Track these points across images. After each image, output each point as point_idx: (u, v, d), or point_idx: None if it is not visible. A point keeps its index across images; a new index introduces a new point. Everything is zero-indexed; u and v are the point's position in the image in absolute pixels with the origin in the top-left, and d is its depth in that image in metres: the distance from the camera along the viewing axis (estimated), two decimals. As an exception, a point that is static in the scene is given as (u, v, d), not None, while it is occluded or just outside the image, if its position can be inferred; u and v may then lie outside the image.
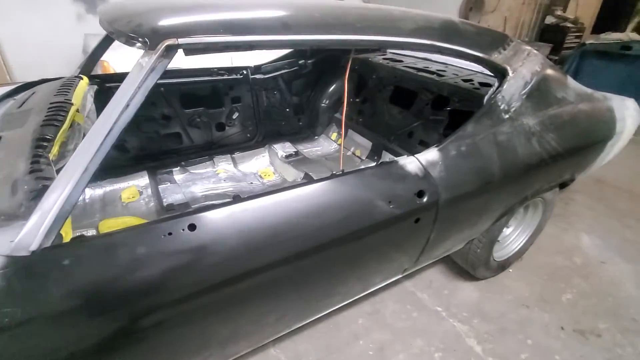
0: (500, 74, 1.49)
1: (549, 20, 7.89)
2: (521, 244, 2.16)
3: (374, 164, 2.26)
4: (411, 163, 1.28)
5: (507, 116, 1.47)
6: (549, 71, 1.69)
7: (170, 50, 0.83)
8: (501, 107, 1.46)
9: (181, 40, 0.83)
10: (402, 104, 2.18)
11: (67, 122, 1.16)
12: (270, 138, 2.48)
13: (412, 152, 2.04)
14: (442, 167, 1.30)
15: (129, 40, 0.88)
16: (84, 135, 1.53)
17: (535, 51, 1.69)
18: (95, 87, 1.76)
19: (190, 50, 0.85)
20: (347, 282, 1.40)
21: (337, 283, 1.35)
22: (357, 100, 2.45)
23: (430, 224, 1.34)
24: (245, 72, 2.24)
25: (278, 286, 1.11)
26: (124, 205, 1.89)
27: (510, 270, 2.23)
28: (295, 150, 2.35)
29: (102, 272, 0.81)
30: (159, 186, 2.01)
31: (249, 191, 2.05)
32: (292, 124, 2.58)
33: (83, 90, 1.54)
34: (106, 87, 1.88)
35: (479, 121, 1.41)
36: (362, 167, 1.27)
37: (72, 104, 1.29)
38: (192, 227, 0.89)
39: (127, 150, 2.07)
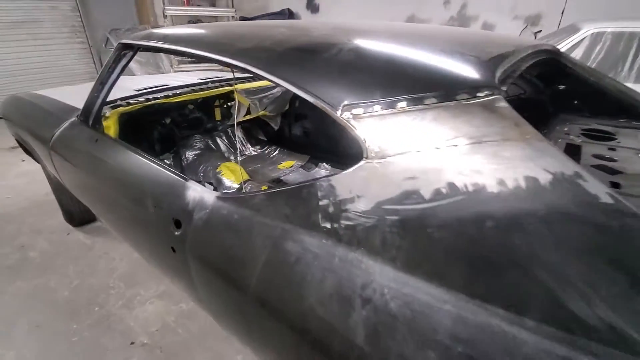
0: None
1: None
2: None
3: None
4: (192, 190, 1.02)
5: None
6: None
7: (127, 48, 1.41)
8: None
9: (129, 40, 1.39)
10: None
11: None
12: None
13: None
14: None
15: None
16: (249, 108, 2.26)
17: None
18: None
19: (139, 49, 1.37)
20: None
21: None
22: None
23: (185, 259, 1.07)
24: None
25: None
26: (274, 167, 2.48)
27: None
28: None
29: None
30: (300, 168, 2.40)
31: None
32: None
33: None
34: None
35: None
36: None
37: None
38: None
39: (308, 135, 2.58)
